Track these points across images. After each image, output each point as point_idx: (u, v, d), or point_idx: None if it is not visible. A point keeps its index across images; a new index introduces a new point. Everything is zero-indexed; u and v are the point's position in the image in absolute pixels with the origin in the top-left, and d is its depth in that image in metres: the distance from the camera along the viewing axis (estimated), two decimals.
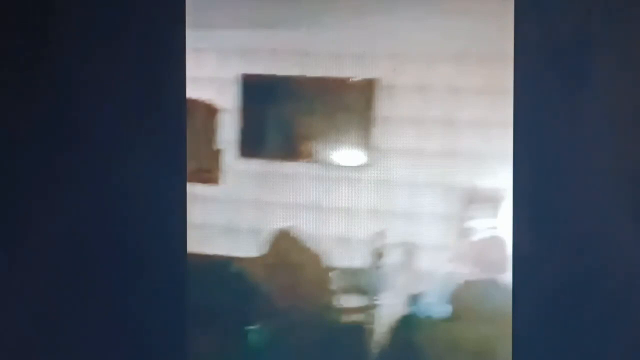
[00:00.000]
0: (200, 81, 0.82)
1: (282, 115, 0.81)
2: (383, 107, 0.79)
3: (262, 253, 0.81)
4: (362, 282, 0.80)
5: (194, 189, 0.82)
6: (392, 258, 0.79)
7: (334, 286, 0.80)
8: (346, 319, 0.80)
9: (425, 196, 0.77)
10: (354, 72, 0.79)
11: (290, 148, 0.81)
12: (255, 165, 0.82)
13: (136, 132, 0.82)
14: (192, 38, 0.81)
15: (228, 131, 0.82)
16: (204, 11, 0.81)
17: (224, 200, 0.82)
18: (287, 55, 0.80)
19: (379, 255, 0.79)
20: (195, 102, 0.82)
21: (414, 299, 0.78)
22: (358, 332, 0.80)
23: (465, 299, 0.77)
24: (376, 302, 0.79)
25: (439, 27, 0.76)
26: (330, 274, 0.80)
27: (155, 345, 0.82)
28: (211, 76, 0.82)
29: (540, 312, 0.74)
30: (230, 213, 0.82)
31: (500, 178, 0.75)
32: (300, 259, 0.81)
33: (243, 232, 0.82)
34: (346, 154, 0.80)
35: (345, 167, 0.80)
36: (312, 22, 0.79)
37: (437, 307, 0.78)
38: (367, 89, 0.79)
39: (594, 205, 0.73)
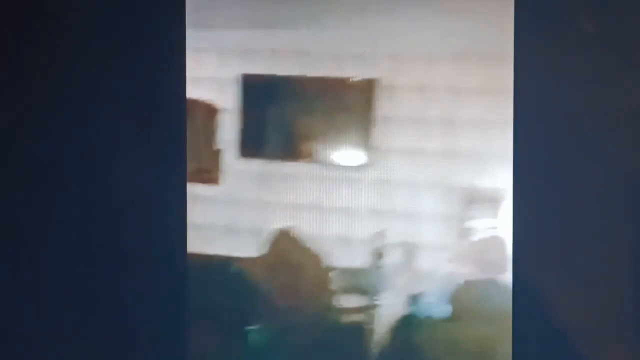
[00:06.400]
0: (200, 81, 0.82)
1: (282, 115, 0.81)
2: (383, 107, 0.79)
3: (262, 253, 0.81)
4: (362, 282, 0.80)
5: (194, 189, 0.82)
6: (392, 258, 0.79)
7: (334, 286, 0.80)
8: (346, 319, 0.80)
9: (425, 196, 0.77)
10: (354, 72, 0.79)
11: (290, 148, 0.81)
12: (255, 165, 0.82)
13: (136, 132, 0.82)
14: (192, 38, 0.81)
15: (228, 131, 0.82)
16: (204, 11, 0.81)
17: (224, 200, 0.82)
18: (287, 55, 0.80)
19: (379, 255, 0.79)
20: (195, 102, 0.82)
21: (414, 299, 0.78)
22: (358, 332, 0.80)
23: (465, 299, 0.77)
24: (376, 302, 0.79)
25: (439, 27, 0.76)
26: (330, 274, 0.80)
27: (156, 345, 0.82)
28: (211, 76, 0.82)
29: (540, 312, 0.74)
30: (230, 213, 0.82)
31: (500, 178, 0.75)
32: (300, 259, 0.81)
33: (243, 232, 0.82)
34: (346, 154, 0.80)
35: (345, 167, 0.80)
36: (312, 22, 0.79)
37: (437, 307, 0.78)
38: (367, 89, 0.79)
39: (594, 205, 0.73)
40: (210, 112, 0.82)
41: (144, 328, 0.82)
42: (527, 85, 0.74)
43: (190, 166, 0.82)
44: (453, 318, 0.77)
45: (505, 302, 0.75)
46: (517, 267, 0.75)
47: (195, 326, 0.82)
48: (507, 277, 0.75)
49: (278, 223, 0.81)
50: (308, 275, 0.81)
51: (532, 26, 0.74)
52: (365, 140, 0.79)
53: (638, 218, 0.73)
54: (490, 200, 0.76)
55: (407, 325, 0.78)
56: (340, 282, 0.80)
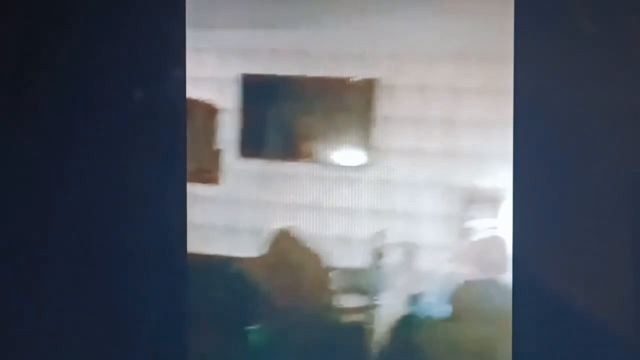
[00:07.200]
0: (200, 81, 0.82)
1: (282, 115, 0.81)
2: (383, 107, 0.79)
3: (262, 253, 0.81)
4: (362, 282, 0.80)
5: (194, 189, 0.82)
6: (392, 258, 0.79)
7: (334, 286, 0.80)
8: (346, 319, 0.80)
9: (425, 196, 0.77)
10: (354, 72, 0.79)
11: (290, 148, 0.81)
12: (255, 165, 0.82)
13: (136, 132, 0.82)
14: (192, 38, 0.81)
15: (228, 131, 0.82)
16: (204, 11, 0.81)
17: (224, 200, 0.82)
18: (287, 55, 0.80)
19: (379, 255, 0.79)
20: (195, 102, 0.82)
21: (414, 299, 0.78)
22: (358, 332, 0.80)
23: (465, 299, 0.77)
24: (376, 302, 0.79)
25: (439, 27, 0.76)
26: (330, 274, 0.80)
27: (156, 345, 0.82)
28: (211, 76, 0.82)
29: (540, 312, 0.74)
30: (230, 213, 0.82)
31: (500, 178, 0.75)
32: (300, 259, 0.80)
33: (243, 232, 0.82)
34: (346, 154, 0.80)
35: (345, 167, 0.80)
36: (312, 22, 0.79)
37: (437, 307, 0.78)
38: (367, 89, 0.79)
39: (594, 205, 0.73)
40: (210, 112, 0.82)
41: (144, 328, 0.82)
42: (527, 85, 0.74)
43: (190, 166, 0.82)
44: (453, 318, 0.77)
45: (505, 302, 0.75)
46: (517, 267, 0.75)
47: (195, 326, 0.81)
48: (507, 277, 0.75)
49: (278, 223, 0.81)
50: (308, 275, 0.81)
51: (532, 26, 0.74)
52: (365, 140, 0.79)
53: (638, 218, 0.73)
54: (490, 200, 0.76)
55: (407, 325, 0.78)
56: (340, 282, 0.80)
